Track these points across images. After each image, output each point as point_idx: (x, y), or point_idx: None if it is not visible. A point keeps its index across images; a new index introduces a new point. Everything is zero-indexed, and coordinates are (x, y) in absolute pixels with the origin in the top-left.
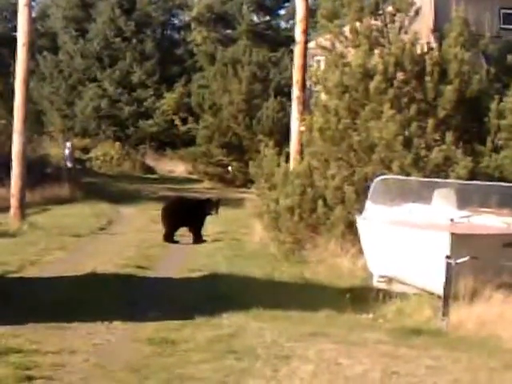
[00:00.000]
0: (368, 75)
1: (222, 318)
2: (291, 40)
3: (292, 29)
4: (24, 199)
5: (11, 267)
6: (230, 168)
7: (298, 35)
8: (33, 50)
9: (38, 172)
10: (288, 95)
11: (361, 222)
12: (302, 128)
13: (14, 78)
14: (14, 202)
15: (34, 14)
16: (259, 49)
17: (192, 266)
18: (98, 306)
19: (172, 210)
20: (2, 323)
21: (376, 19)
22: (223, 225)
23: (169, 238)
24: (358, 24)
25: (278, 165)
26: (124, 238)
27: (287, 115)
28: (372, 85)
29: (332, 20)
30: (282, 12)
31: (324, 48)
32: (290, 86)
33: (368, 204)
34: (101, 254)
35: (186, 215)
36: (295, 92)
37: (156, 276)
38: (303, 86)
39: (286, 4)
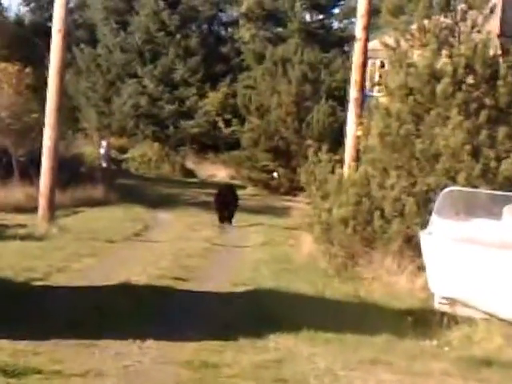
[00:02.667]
0: (435, 77)
1: (268, 339)
2: (344, 41)
3: (345, 29)
4: (54, 200)
5: (37, 274)
6: (275, 174)
7: (359, 31)
8: (69, 41)
9: (70, 171)
10: (339, 99)
11: (425, 237)
12: (359, 132)
13: (48, 69)
14: (42, 203)
15: (72, 4)
16: (310, 49)
17: (235, 279)
18: (130, 321)
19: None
20: (21, 338)
21: (446, 16)
22: (268, 235)
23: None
24: (426, 21)
25: (332, 172)
26: (160, 246)
27: (338, 120)
28: (439, 88)
29: (397, 16)
30: (336, 11)
31: (387, 46)
32: (341, 88)
33: (434, 218)
34: (135, 262)
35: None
36: (353, 93)
37: (195, 289)
38: (362, 87)
39: (341, 2)
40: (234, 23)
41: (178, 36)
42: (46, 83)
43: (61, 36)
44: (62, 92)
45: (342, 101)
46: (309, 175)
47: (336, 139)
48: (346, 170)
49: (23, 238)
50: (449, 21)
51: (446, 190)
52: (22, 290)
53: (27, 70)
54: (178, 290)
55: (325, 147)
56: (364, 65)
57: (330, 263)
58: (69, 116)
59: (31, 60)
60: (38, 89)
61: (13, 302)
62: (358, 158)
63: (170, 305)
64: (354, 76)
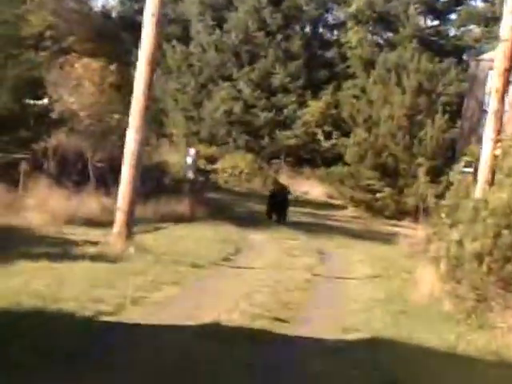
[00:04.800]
0: None
1: None
2: (460, 50)
3: (462, 37)
4: (133, 214)
5: (107, 306)
6: (378, 195)
7: (507, 31)
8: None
9: (152, 181)
10: (454, 113)
11: None
12: (498, 151)
13: (135, 67)
14: (120, 217)
15: None
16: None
17: (345, 322)
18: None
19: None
20: None
21: None
22: (375, 265)
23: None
24: None
25: (467, 196)
26: (254, 275)
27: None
28: None
29: None
30: (453, 17)
31: None
32: (453, 103)
33: None
34: (225, 294)
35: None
36: (492, 104)
37: (298, 335)
38: (503, 97)
39: (458, 8)
40: (341, 26)
41: (279, 37)
42: (131, 82)
43: (154, 21)
44: (152, 88)
45: (455, 116)
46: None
47: (448, 158)
48: (478, 195)
49: (94, 258)
50: None
51: None
52: (85, 328)
53: (112, 66)
54: (277, 336)
55: (461, 163)
56: (508, 70)
57: (457, 306)
58: (154, 120)
59: (117, 56)
60: (122, 88)
61: (72, 347)
62: (492, 181)
63: (268, 358)
64: (496, 84)
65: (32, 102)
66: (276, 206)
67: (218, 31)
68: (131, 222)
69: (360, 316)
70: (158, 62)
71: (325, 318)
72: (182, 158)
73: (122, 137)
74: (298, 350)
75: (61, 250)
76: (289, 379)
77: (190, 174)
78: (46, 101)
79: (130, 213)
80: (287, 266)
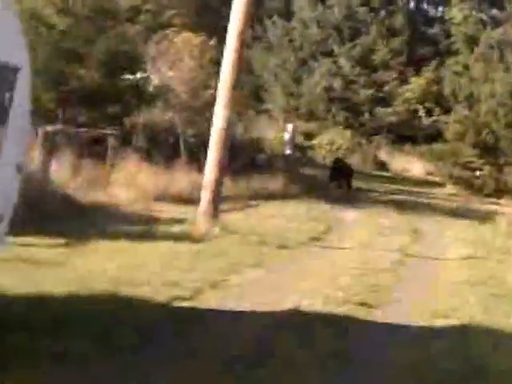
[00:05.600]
0: None
1: None
2: None
3: None
4: (219, 192)
5: (184, 291)
6: (478, 172)
7: None
8: (261, 12)
9: (246, 157)
10: None
11: None
12: None
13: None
14: (205, 195)
15: None
16: None
17: (434, 306)
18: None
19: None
20: None
21: None
22: (470, 246)
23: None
24: None
25: None
26: (342, 255)
27: None
28: None
29: None
30: None
31: None
32: None
33: None
34: (309, 277)
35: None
36: None
37: (385, 321)
38: None
39: None
40: (445, 2)
41: (382, 13)
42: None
43: None
44: (241, 63)
45: None
46: None
47: None
48: None
49: (177, 238)
50: None
51: None
52: (156, 315)
53: (212, 41)
54: (362, 323)
55: None
56: None
57: None
58: (252, 95)
59: (217, 31)
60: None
61: (140, 335)
62: None
63: (352, 347)
64: None
65: (125, 76)
66: (340, 172)
67: (320, 7)
68: (217, 200)
69: (449, 300)
70: (258, 38)
71: (414, 303)
72: (279, 133)
73: None
74: (384, 338)
75: (144, 229)
76: (377, 370)
77: (288, 150)
78: (139, 75)
79: (216, 191)
80: (378, 245)
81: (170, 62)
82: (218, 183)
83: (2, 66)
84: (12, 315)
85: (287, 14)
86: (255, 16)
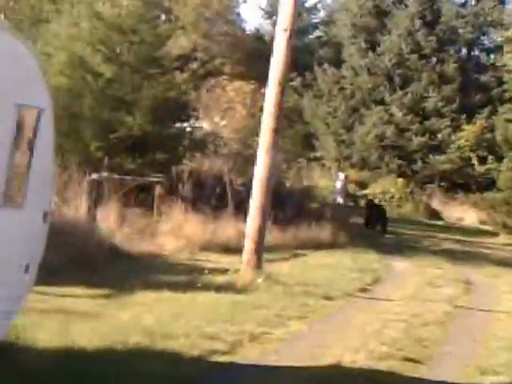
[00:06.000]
0: None
1: None
2: None
3: None
4: (263, 242)
5: (222, 344)
6: None
7: None
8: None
9: (296, 206)
10: None
11: None
12: None
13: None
14: (248, 245)
15: (318, 19)
16: None
17: (484, 362)
18: None
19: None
20: None
21: None
22: None
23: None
24: None
25: None
26: (389, 308)
27: None
28: None
29: None
30: None
31: None
32: None
33: None
34: (354, 330)
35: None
36: None
37: (432, 378)
38: None
39: None
40: (497, 49)
41: (433, 60)
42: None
43: (286, 36)
44: (282, 107)
45: None
46: None
47: None
48: None
49: (219, 288)
50: None
51: None
52: (189, 370)
53: (263, 90)
54: (405, 380)
55: None
56: None
57: None
58: (304, 143)
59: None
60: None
61: None
62: None
63: None
64: None
65: (173, 124)
66: (375, 215)
67: (370, 54)
68: (260, 249)
69: (501, 355)
70: (309, 85)
71: (462, 358)
72: (331, 182)
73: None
74: None
75: (187, 279)
76: None
77: (339, 199)
78: (186, 123)
79: (259, 240)
80: (428, 297)
81: (221, 110)
82: (261, 232)
83: (25, 108)
84: (36, 370)
85: (338, 62)
86: (305, 64)
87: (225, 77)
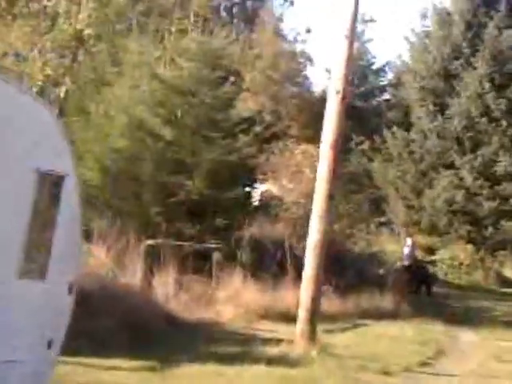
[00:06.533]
0: None
1: None
2: None
3: None
4: (317, 311)
5: None
6: None
7: None
8: (379, 122)
9: (359, 272)
10: None
11: None
12: None
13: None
14: (301, 315)
15: (385, 81)
16: None
17: None
18: None
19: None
20: None
21: None
22: None
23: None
24: None
25: None
26: None
27: None
28: None
29: None
30: None
31: None
32: None
33: None
34: None
35: None
36: None
37: None
38: None
39: None
40: None
41: (504, 123)
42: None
43: (339, 99)
44: (336, 172)
45: None
46: None
47: None
48: None
49: (271, 361)
50: None
51: None
52: None
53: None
54: None
55: None
56: None
57: None
58: (374, 208)
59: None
60: (343, 175)
61: None
62: None
63: None
64: None
65: (235, 188)
66: (417, 275)
67: (439, 117)
68: (314, 320)
69: None
70: (377, 149)
71: None
72: (399, 247)
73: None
74: None
75: (238, 350)
76: None
77: (407, 265)
78: (248, 187)
79: (313, 310)
80: (495, 372)
81: (289, 174)
82: (315, 301)
83: (45, 174)
84: None
85: (406, 124)
86: (374, 127)
87: (292, 140)
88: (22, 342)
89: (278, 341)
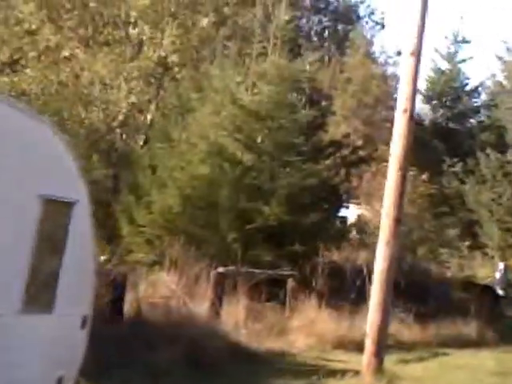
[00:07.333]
0: None
1: None
2: None
3: None
4: (384, 341)
5: None
6: None
7: None
8: (473, 144)
9: (443, 297)
10: None
11: None
12: None
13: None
14: (368, 345)
15: (480, 102)
16: None
17: None
18: None
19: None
20: None
21: None
22: None
23: None
24: None
25: None
26: None
27: None
28: None
29: None
30: None
31: None
32: None
33: None
34: None
35: None
36: None
37: None
38: None
39: None
40: None
41: None
42: (444, 192)
43: (406, 117)
44: (403, 196)
45: None
46: None
47: None
48: None
49: None
50: None
51: None
52: None
53: (423, 176)
54: None
55: None
56: None
57: None
58: (467, 231)
59: (428, 165)
60: (434, 198)
61: None
62: None
63: None
64: None
65: (315, 213)
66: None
67: None
68: (380, 350)
69: None
70: (471, 171)
71: None
72: (491, 272)
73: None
74: None
75: (302, 383)
76: None
77: (499, 290)
78: (332, 212)
79: (380, 340)
80: None
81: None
82: (382, 331)
83: (51, 201)
84: None
85: (501, 146)
86: (467, 149)
87: (385, 163)
88: (27, 380)
89: (349, 372)
